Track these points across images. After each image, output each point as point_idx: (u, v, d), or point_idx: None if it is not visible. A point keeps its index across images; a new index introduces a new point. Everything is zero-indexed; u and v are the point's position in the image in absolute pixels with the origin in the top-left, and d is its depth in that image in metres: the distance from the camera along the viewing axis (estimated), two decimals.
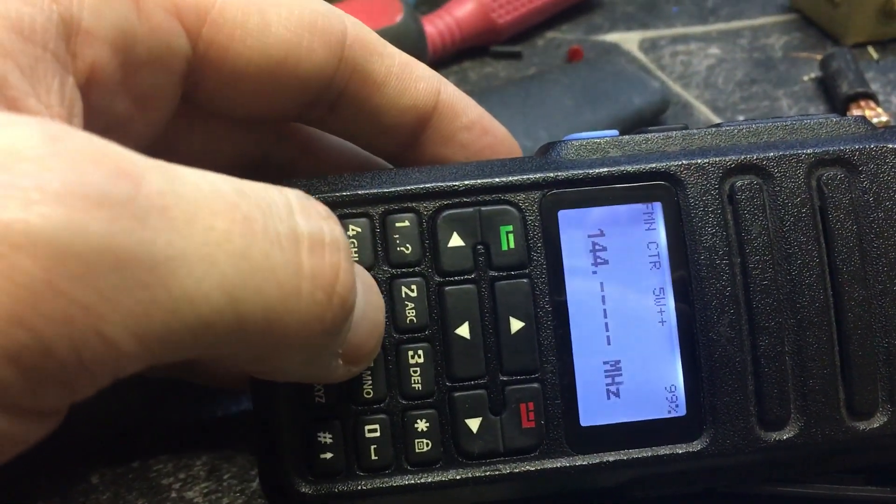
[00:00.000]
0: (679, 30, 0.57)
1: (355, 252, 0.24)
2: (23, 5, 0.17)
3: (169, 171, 0.15)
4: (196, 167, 0.25)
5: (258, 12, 0.21)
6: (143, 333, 0.14)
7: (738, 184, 0.24)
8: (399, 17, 0.51)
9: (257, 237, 0.16)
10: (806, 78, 0.52)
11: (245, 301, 0.16)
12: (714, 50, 0.55)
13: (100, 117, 0.19)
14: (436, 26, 0.54)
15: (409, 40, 0.51)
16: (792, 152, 0.25)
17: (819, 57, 0.52)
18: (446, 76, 0.55)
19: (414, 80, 0.24)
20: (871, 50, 0.53)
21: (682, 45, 0.56)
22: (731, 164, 0.25)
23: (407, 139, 0.26)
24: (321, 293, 0.17)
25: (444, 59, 0.56)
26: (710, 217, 0.24)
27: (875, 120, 0.46)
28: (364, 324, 0.20)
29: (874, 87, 0.49)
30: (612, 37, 0.57)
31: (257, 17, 0.21)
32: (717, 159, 0.25)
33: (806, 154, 0.25)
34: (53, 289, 0.13)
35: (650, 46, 0.56)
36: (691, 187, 0.24)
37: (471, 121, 0.26)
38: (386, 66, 0.24)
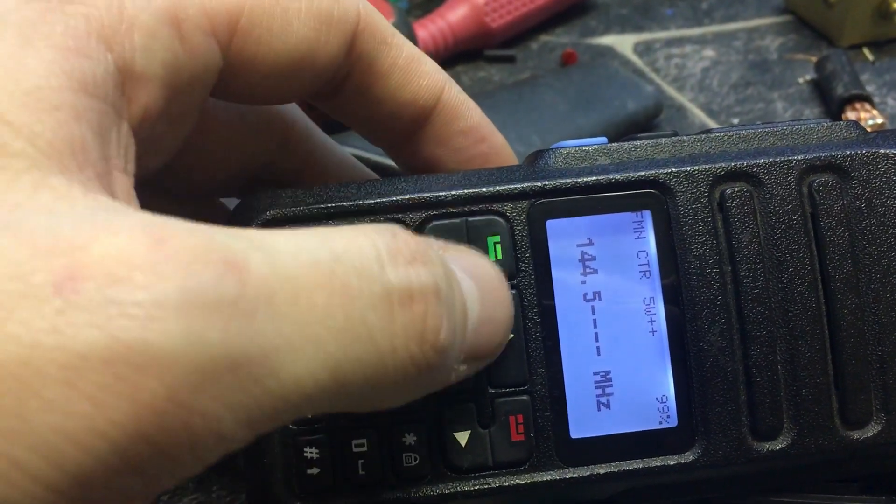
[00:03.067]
0: (673, 32, 0.57)
1: None
2: (83, 60, 0.17)
3: (268, 249, 0.16)
4: (208, 178, 0.26)
5: (282, 12, 0.21)
6: (253, 422, 0.15)
7: (729, 191, 0.24)
8: (390, 22, 0.50)
9: (355, 306, 0.16)
10: (801, 80, 0.51)
11: (346, 372, 0.16)
12: (709, 52, 0.54)
13: (139, 145, 0.19)
14: (428, 30, 0.54)
15: None
16: (782, 159, 0.24)
17: (814, 59, 0.52)
18: None
19: (418, 76, 0.24)
20: (866, 51, 0.53)
21: (677, 48, 0.55)
22: (720, 172, 0.24)
23: (404, 133, 0.26)
24: (414, 345, 0.17)
25: (437, 64, 0.55)
26: (700, 225, 0.24)
27: (870, 122, 0.46)
28: (485, 327, 0.20)
29: (869, 88, 0.49)
30: (607, 39, 0.57)
31: (281, 19, 0.21)
32: (707, 166, 0.24)
33: (797, 160, 0.24)
34: (175, 403, 0.14)
35: (644, 49, 0.56)
36: (681, 195, 0.24)
37: (469, 126, 0.26)
38: (392, 58, 0.24)
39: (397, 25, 0.50)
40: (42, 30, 0.17)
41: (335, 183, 0.24)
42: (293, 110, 0.27)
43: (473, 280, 0.20)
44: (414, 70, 0.24)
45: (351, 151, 0.44)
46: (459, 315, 0.19)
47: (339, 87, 0.24)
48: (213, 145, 0.25)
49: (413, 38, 0.52)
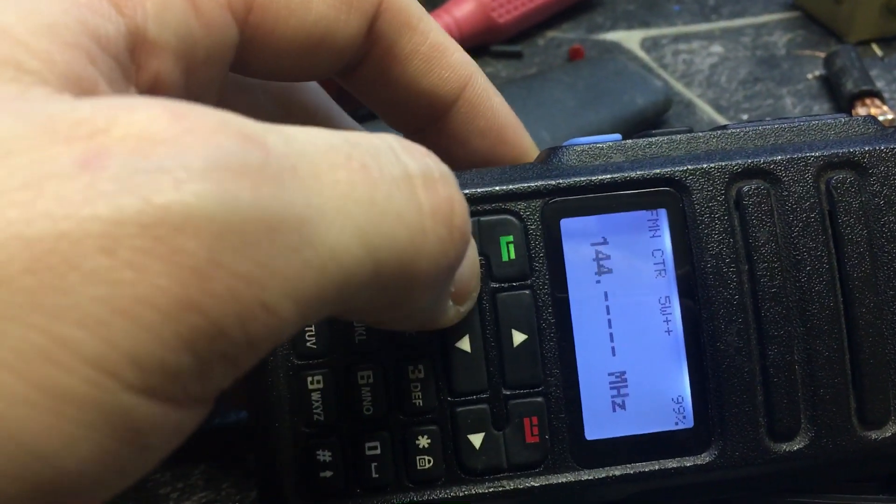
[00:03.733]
0: (681, 28, 0.56)
1: None
2: (96, 16, 0.17)
3: (284, 132, 0.15)
4: None
5: None
6: (299, 296, 0.14)
7: (745, 189, 0.24)
8: None
9: (378, 183, 0.16)
10: (810, 76, 0.51)
11: (380, 248, 0.16)
12: (716, 48, 0.54)
13: None
14: None
15: None
16: (800, 155, 0.24)
17: (823, 55, 0.51)
18: None
19: (440, 67, 0.24)
20: (875, 47, 0.52)
21: (685, 44, 0.55)
22: (737, 169, 0.24)
23: (422, 121, 0.25)
24: (443, 228, 0.17)
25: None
26: (716, 223, 0.24)
27: (881, 118, 0.45)
28: (466, 262, 0.20)
29: (879, 84, 0.48)
30: (614, 35, 0.57)
31: None
32: (723, 164, 0.24)
33: (814, 157, 0.24)
34: (218, 265, 0.13)
35: (652, 45, 0.55)
36: (697, 193, 0.24)
37: (489, 127, 0.25)
38: (414, 43, 0.23)
39: None
40: None
41: None
42: (317, 95, 0.26)
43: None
44: (437, 59, 0.23)
45: None
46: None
47: (357, 65, 0.23)
48: None
49: None
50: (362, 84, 0.24)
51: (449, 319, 0.21)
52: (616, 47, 0.56)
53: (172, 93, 0.19)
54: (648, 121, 0.49)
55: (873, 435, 0.24)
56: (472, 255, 0.21)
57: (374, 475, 0.23)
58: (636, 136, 0.25)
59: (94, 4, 0.17)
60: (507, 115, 0.25)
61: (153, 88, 0.19)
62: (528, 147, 0.26)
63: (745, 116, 0.49)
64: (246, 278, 0.13)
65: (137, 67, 0.18)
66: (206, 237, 0.13)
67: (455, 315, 0.21)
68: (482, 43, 0.56)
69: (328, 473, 0.23)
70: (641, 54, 0.55)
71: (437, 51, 0.23)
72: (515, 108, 0.49)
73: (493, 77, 0.54)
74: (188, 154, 0.13)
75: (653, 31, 0.56)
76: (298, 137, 0.15)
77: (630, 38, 0.56)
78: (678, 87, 0.51)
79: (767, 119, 0.26)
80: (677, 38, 0.55)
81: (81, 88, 0.16)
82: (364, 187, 0.15)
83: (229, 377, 0.15)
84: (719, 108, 0.49)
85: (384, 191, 0.16)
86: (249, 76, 0.23)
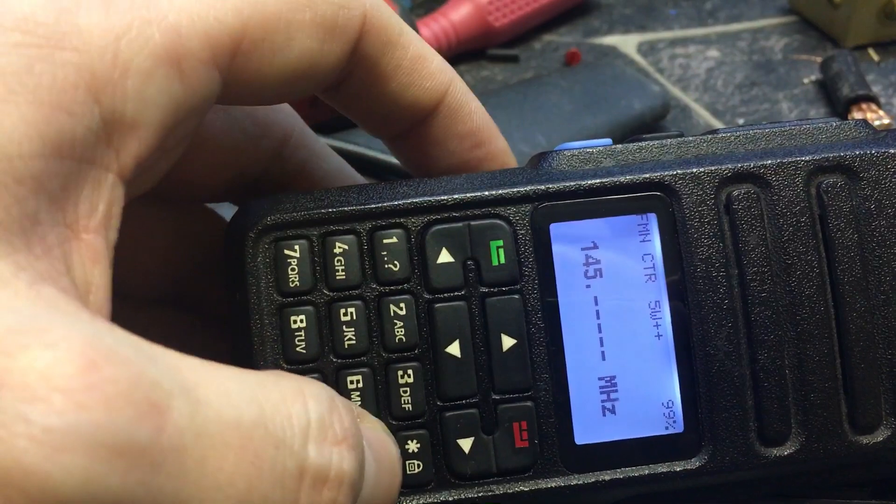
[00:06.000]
0: (677, 32, 0.56)
1: (342, 271, 0.23)
2: (64, 117, 0.16)
3: (194, 398, 0.15)
4: (202, 185, 0.25)
5: (285, 27, 0.20)
6: None
7: (735, 193, 0.24)
8: None
9: (262, 478, 0.16)
10: (806, 80, 0.51)
11: None
12: (713, 52, 0.54)
13: (129, 182, 0.19)
14: (431, 29, 0.54)
15: None
16: (790, 159, 0.24)
17: (819, 59, 0.51)
18: None
19: (422, 78, 0.24)
20: (871, 52, 0.52)
21: (681, 48, 0.55)
22: (727, 173, 0.24)
23: (402, 129, 0.25)
24: None
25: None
26: (706, 228, 0.24)
27: (877, 123, 0.45)
28: (378, 493, 0.20)
29: (875, 89, 0.48)
30: (610, 39, 0.57)
31: (284, 34, 0.20)
32: (713, 168, 0.24)
33: (804, 161, 0.24)
34: None
35: (648, 49, 0.55)
36: (687, 197, 0.24)
37: (467, 131, 0.25)
38: (397, 59, 0.23)
39: None
40: (27, 81, 0.16)
41: (336, 187, 0.24)
42: (290, 119, 0.26)
43: (375, 462, 0.20)
44: (418, 71, 0.23)
45: (354, 149, 0.44)
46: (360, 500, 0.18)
47: (339, 84, 0.23)
48: (208, 154, 0.24)
49: None
50: (345, 99, 0.24)
51: None
52: (612, 51, 0.56)
53: (150, 160, 0.19)
54: (646, 126, 0.49)
55: (864, 440, 0.24)
56: (385, 485, 0.20)
57: None
58: (627, 140, 0.25)
59: (67, 101, 0.16)
60: (483, 118, 0.25)
61: (136, 166, 0.18)
62: (503, 149, 0.26)
63: (741, 121, 0.49)
64: None
65: (116, 152, 0.18)
66: None
67: None
68: (479, 46, 0.56)
69: None
70: (638, 58, 0.55)
71: (418, 62, 0.23)
72: (512, 112, 0.49)
73: (489, 81, 0.54)
74: (78, 418, 0.13)
75: (649, 35, 0.57)
76: (211, 406, 0.15)
77: (627, 42, 0.56)
78: (675, 91, 0.51)
79: (758, 123, 0.26)
80: (674, 43, 0.56)
81: (20, 230, 0.15)
82: (244, 483, 0.15)
83: None
84: (715, 113, 0.49)
85: (265, 488, 0.16)
86: (227, 104, 0.23)
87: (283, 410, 0.17)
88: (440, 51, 0.54)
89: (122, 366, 0.14)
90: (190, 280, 0.27)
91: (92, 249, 0.17)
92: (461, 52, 0.56)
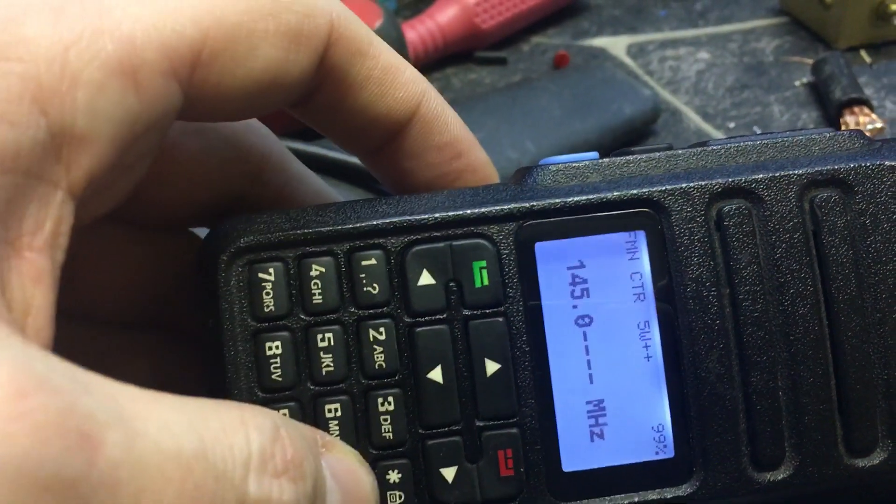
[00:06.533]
0: (667, 34, 0.56)
1: (319, 294, 0.22)
2: (6, 128, 0.16)
3: (131, 429, 0.15)
4: (175, 209, 0.24)
5: (247, 36, 0.19)
6: None
7: (726, 209, 0.23)
8: (378, 23, 0.49)
9: None
10: (798, 83, 0.50)
11: None
12: (703, 55, 0.53)
13: (84, 198, 0.18)
14: (417, 32, 0.53)
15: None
16: (782, 173, 0.23)
17: (811, 61, 0.51)
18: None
19: (394, 88, 0.23)
20: (863, 54, 0.52)
21: (671, 50, 0.54)
22: (717, 189, 0.23)
23: (377, 143, 0.24)
24: None
25: (426, 66, 0.54)
26: (696, 245, 0.23)
27: (870, 126, 0.45)
28: None
29: (868, 91, 0.48)
30: (600, 41, 0.56)
31: (246, 43, 0.19)
32: (703, 183, 0.23)
33: (797, 175, 0.23)
34: None
35: (638, 51, 0.54)
36: (676, 214, 0.23)
37: (445, 142, 0.24)
38: (367, 69, 0.22)
39: (385, 27, 0.49)
40: None
41: (313, 206, 0.23)
42: (268, 142, 0.25)
43: (342, 493, 0.19)
44: (390, 82, 0.23)
45: (336, 156, 0.43)
46: None
47: (308, 97, 0.23)
48: (179, 177, 0.24)
49: (402, 39, 0.50)
50: (315, 114, 0.23)
51: None
52: (602, 53, 0.55)
53: (104, 177, 0.18)
54: (636, 131, 0.48)
55: (860, 463, 0.23)
56: None
57: None
58: (613, 153, 0.25)
59: (10, 112, 0.16)
60: (460, 128, 0.25)
61: (88, 182, 0.17)
62: (483, 160, 0.25)
63: (732, 125, 0.48)
64: None
65: (66, 167, 0.17)
66: None
67: None
68: (466, 49, 0.55)
69: None
70: (627, 60, 0.54)
71: (390, 73, 0.23)
72: (500, 117, 0.48)
73: (476, 83, 0.53)
74: (4, 450, 0.13)
75: (639, 37, 0.56)
76: (149, 437, 0.15)
77: (616, 45, 0.55)
78: (665, 94, 0.51)
79: (749, 134, 0.26)
80: (664, 45, 0.55)
81: None
82: None
83: None
84: (706, 116, 0.49)
85: None
86: (195, 121, 0.22)
87: (224, 441, 0.16)
88: (427, 53, 0.53)
89: (53, 395, 0.14)
90: (167, 302, 0.26)
91: (35, 269, 0.16)
92: (448, 55, 0.55)
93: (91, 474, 0.14)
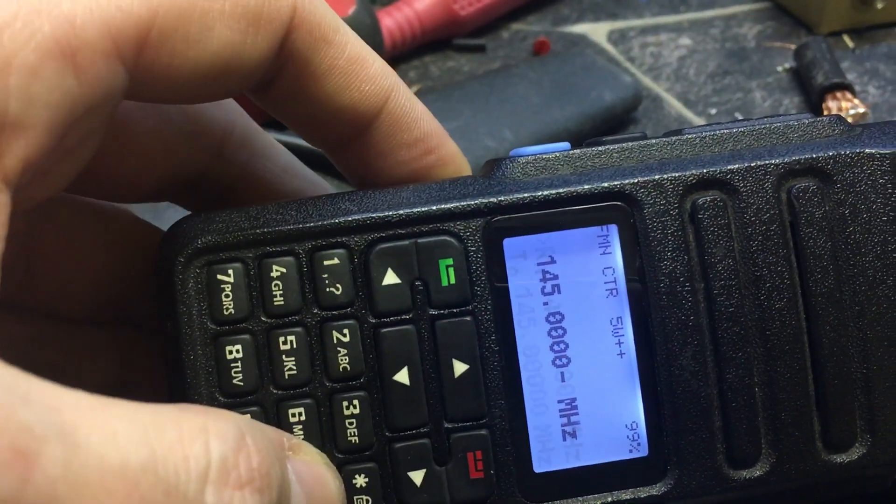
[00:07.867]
0: (649, 20, 0.55)
1: (280, 296, 0.21)
2: None
3: (72, 442, 0.14)
4: (133, 186, 0.24)
5: (200, 16, 0.19)
6: None
7: (700, 201, 0.22)
8: (352, 10, 0.48)
9: None
10: (780, 68, 0.50)
11: None
12: (685, 41, 0.53)
13: (24, 183, 0.17)
14: (394, 18, 0.52)
15: (363, 34, 0.48)
16: (759, 163, 0.23)
17: (793, 47, 0.50)
18: (406, 71, 0.53)
19: (360, 80, 0.22)
20: (846, 38, 0.51)
21: (652, 36, 0.53)
22: (691, 180, 0.23)
23: (342, 138, 0.24)
24: None
25: (403, 54, 0.53)
26: (670, 239, 0.22)
27: (852, 111, 0.44)
28: None
29: (850, 76, 0.47)
30: (580, 28, 0.55)
31: (199, 23, 0.19)
32: (677, 174, 0.23)
33: (774, 164, 0.23)
34: None
35: (619, 38, 0.54)
36: (649, 207, 0.22)
37: (414, 139, 0.24)
38: (331, 58, 0.21)
39: (359, 14, 0.48)
40: None
41: (273, 203, 0.22)
42: (232, 115, 0.25)
43: (307, 498, 0.18)
44: (356, 73, 0.22)
45: (296, 142, 0.42)
46: None
47: (269, 84, 0.22)
48: (134, 153, 0.23)
49: (376, 26, 0.49)
50: (277, 102, 0.23)
51: None
52: (582, 40, 0.54)
53: (42, 162, 0.17)
54: (617, 118, 0.47)
55: (839, 458, 0.23)
56: None
57: None
58: (585, 143, 0.24)
59: None
60: (430, 123, 0.24)
61: (24, 169, 0.17)
62: (453, 152, 0.24)
63: (713, 111, 0.47)
64: None
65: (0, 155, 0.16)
66: None
67: None
68: (444, 36, 0.54)
69: None
70: (608, 47, 0.53)
71: (356, 64, 0.22)
72: (478, 105, 0.48)
73: (455, 71, 0.52)
74: None
75: (620, 24, 0.55)
76: (91, 450, 0.14)
77: (597, 31, 0.55)
78: (646, 80, 0.50)
79: (726, 122, 0.25)
80: (645, 31, 0.54)
81: None
82: None
83: None
84: (687, 103, 0.48)
85: None
86: (145, 101, 0.21)
87: (178, 452, 0.15)
88: (404, 41, 0.52)
89: None
90: (133, 297, 0.25)
91: None
92: (426, 43, 0.54)
93: (25, 492, 0.13)
